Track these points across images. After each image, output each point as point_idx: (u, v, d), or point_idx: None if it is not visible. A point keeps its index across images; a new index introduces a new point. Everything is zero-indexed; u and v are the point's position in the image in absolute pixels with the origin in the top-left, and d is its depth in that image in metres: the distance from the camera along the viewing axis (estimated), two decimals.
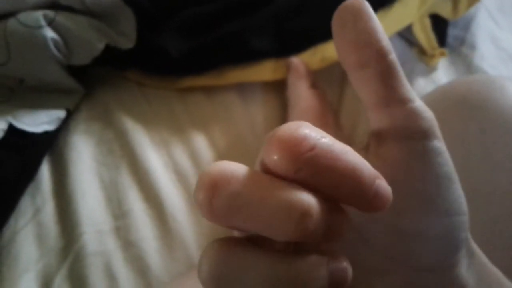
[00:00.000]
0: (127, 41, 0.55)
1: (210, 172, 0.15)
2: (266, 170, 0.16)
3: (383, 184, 0.16)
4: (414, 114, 0.18)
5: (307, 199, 0.15)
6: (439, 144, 0.19)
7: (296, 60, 0.56)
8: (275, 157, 0.15)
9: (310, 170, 0.15)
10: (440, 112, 0.38)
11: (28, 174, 0.50)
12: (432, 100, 0.41)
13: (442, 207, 0.18)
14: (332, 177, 0.15)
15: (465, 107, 0.37)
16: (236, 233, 0.18)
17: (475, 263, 0.20)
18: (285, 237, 0.15)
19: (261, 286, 0.15)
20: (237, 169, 0.16)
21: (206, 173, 0.15)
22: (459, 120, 0.36)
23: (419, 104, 0.18)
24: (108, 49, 0.54)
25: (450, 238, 0.19)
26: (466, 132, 0.35)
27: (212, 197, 0.15)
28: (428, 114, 0.19)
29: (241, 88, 0.58)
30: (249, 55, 0.56)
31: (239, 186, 0.15)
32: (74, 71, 0.55)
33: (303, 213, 0.15)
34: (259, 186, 0.15)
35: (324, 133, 0.16)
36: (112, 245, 0.46)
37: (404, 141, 0.18)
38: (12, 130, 0.50)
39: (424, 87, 0.57)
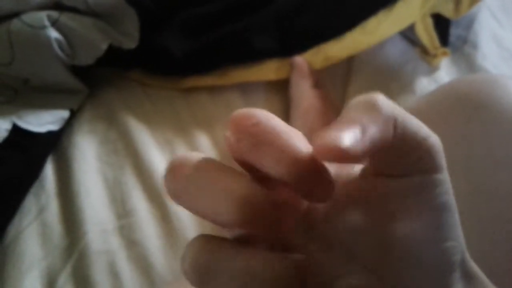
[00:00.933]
0: (130, 41, 0.55)
1: (172, 159, 0.17)
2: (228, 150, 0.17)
3: (325, 174, 0.17)
4: (428, 152, 0.17)
5: (250, 185, 0.16)
6: (442, 175, 0.18)
7: (299, 59, 0.56)
8: (227, 132, 0.17)
9: (250, 141, 0.16)
10: (443, 110, 0.38)
11: (33, 174, 0.50)
12: (434, 99, 0.41)
13: (434, 235, 0.18)
14: (269, 153, 0.16)
15: (468, 106, 0.37)
16: (226, 233, 0.19)
17: (474, 286, 0.20)
18: (229, 222, 0.16)
19: (236, 279, 0.16)
20: (193, 156, 0.17)
21: (170, 160, 0.17)
22: (462, 118, 0.36)
23: (434, 139, 0.17)
24: (112, 49, 0.55)
25: (441, 262, 0.18)
26: (468, 130, 0.35)
27: (171, 180, 0.17)
28: (439, 147, 0.18)
29: (244, 87, 0.58)
30: (252, 55, 0.56)
31: (191, 171, 0.17)
32: (77, 71, 0.55)
33: (243, 197, 0.16)
34: (209, 171, 0.17)
35: (278, 119, 0.17)
36: (116, 244, 0.47)
37: (407, 176, 0.18)
38: (16, 130, 0.50)
39: (426, 86, 0.57)
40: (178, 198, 0.17)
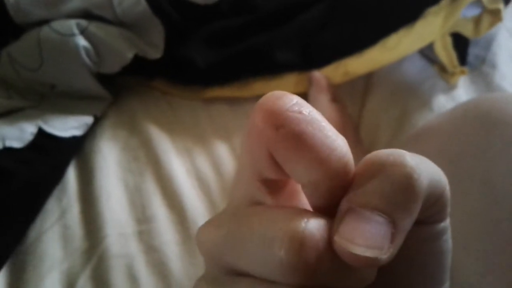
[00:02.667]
0: (155, 51, 0.57)
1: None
2: (250, 144, 0.15)
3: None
4: (445, 203, 0.16)
5: (304, 217, 0.13)
6: (447, 222, 0.17)
7: (318, 74, 0.57)
8: (260, 113, 0.14)
9: (294, 130, 0.13)
10: (463, 127, 0.39)
11: (56, 177, 0.51)
12: (454, 115, 0.41)
13: (441, 277, 0.18)
14: (314, 155, 0.14)
15: (488, 122, 0.37)
16: None
17: None
18: (275, 276, 0.13)
19: None
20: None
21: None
22: (483, 135, 0.36)
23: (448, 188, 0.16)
24: (136, 58, 0.56)
25: None
26: (488, 146, 0.35)
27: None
28: (447, 195, 0.16)
29: None
30: (273, 68, 0.57)
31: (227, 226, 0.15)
32: (102, 78, 0.57)
33: (297, 238, 0.13)
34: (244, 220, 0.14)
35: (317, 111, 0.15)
36: (134, 248, 0.47)
37: (432, 224, 0.17)
38: (41, 133, 0.52)
39: (444, 104, 0.58)
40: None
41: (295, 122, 0.13)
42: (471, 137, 0.37)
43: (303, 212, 0.14)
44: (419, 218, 0.15)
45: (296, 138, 0.13)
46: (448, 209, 0.16)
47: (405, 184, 0.13)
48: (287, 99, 0.14)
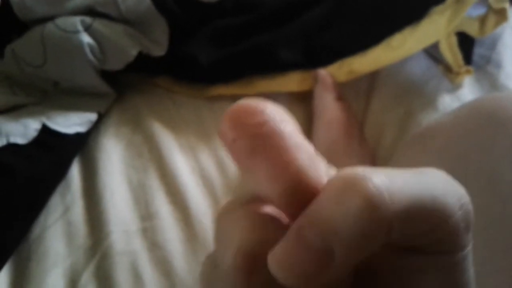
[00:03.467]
0: (159, 49, 0.57)
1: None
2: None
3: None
4: (450, 234, 0.14)
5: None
6: (465, 251, 0.15)
7: (323, 72, 0.57)
8: (224, 124, 0.14)
9: (247, 144, 0.13)
10: (468, 126, 0.39)
11: (59, 173, 0.51)
12: (460, 115, 0.41)
13: None
14: (267, 165, 0.13)
15: (494, 121, 0.37)
16: None
17: None
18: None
19: None
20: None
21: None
22: (489, 133, 0.36)
23: (458, 217, 0.14)
24: (140, 55, 0.56)
25: None
26: (495, 145, 0.35)
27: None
28: (462, 226, 0.14)
29: (267, 98, 0.58)
30: (277, 66, 0.57)
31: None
32: (106, 75, 0.57)
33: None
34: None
35: (288, 120, 0.14)
36: (138, 245, 0.47)
37: (435, 255, 0.15)
38: (45, 130, 0.52)
39: (449, 103, 0.57)
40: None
41: (249, 137, 0.13)
42: (477, 136, 0.37)
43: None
44: (416, 244, 0.14)
45: (249, 152, 0.13)
46: (462, 241, 0.14)
47: (355, 211, 0.12)
48: (249, 110, 0.14)
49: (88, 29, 0.53)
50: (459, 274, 0.15)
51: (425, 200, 0.13)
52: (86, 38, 0.53)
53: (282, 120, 0.14)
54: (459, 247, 0.15)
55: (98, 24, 0.54)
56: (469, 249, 0.15)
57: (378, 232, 0.13)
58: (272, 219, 0.15)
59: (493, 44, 0.63)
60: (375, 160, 0.55)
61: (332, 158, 0.16)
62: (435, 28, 0.56)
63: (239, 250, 0.14)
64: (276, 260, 0.13)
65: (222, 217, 0.16)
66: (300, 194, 0.14)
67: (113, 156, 0.53)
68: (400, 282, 0.15)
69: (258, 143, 0.13)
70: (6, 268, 0.45)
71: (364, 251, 0.13)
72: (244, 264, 0.14)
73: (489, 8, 0.57)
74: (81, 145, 0.53)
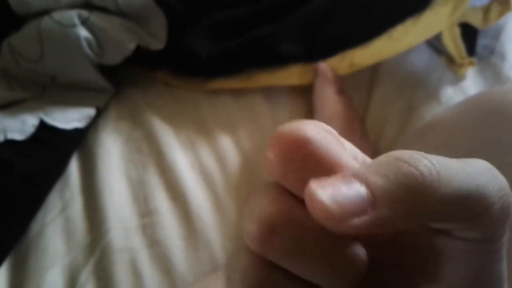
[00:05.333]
0: (157, 42, 0.56)
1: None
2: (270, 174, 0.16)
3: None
4: (496, 220, 0.15)
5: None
6: (501, 241, 0.15)
7: (324, 65, 0.56)
8: (271, 155, 0.15)
9: (297, 174, 0.15)
10: (473, 120, 0.38)
11: (58, 170, 0.51)
12: (464, 108, 0.40)
13: None
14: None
15: (500, 116, 0.36)
16: None
17: None
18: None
19: None
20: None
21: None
22: (494, 128, 0.35)
23: (499, 207, 0.15)
24: (139, 49, 0.55)
25: None
26: (501, 140, 0.35)
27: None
28: (503, 216, 0.15)
29: (268, 91, 0.58)
30: (277, 59, 0.57)
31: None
32: (104, 70, 0.56)
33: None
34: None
35: (334, 142, 0.15)
36: (138, 242, 0.47)
37: (472, 241, 0.15)
38: (43, 126, 0.51)
39: (452, 95, 0.57)
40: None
41: (298, 170, 0.15)
42: (483, 130, 0.36)
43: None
44: (454, 229, 0.15)
45: (299, 182, 0.15)
46: (500, 230, 0.15)
47: (407, 182, 0.13)
48: (293, 142, 0.15)
49: (85, 22, 0.53)
50: (492, 263, 0.15)
51: (470, 188, 0.14)
52: (83, 32, 0.52)
53: (327, 140, 0.15)
54: (495, 236, 0.15)
55: (95, 18, 0.53)
56: (504, 239, 0.15)
57: (420, 209, 0.14)
58: (291, 196, 0.16)
59: (496, 35, 0.62)
60: (377, 153, 0.55)
61: None
62: (437, 19, 0.55)
63: (258, 219, 0.15)
64: (322, 185, 0.14)
65: (251, 196, 0.16)
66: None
67: (112, 151, 0.53)
68: (431, 262, 0.16)
69: (309, 172, 0.14)
70: (5, 265, 0.45)
71: (402, 221, 0.14)
72: (261, 232, 0.15)
73: None
74: (79, 141, 0.53)
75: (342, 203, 0.13)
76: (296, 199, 0.15)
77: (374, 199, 0.13)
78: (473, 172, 0.15)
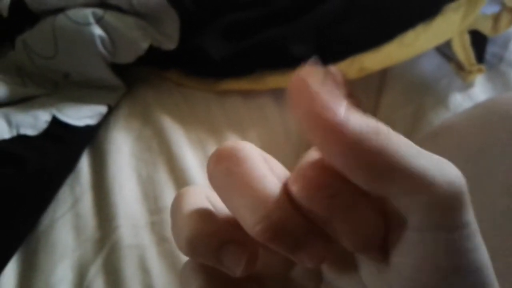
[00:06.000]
0: (170, 42, 0.56)
1: (222, 147, 0.18)
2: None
3: None
4: (442, 202, 0.15)
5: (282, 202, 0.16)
6: (469, 231, 0.16)
7: (333, 69, 0.57)
8: (295, 188, 0.16)
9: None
10: (483, 126, 0.38)
11: (69, 165, 0.51)
12: (474, 113, 0.41)
13: None
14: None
15: (509, 121, 0.37)
16: None
17: None
18: (251, 233, 0.17)
19: None
20: (241, 148, 0.18)
21: (221, 146, 0.18)
22: (505, 134, 0.36)
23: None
24: (151, 48, 0.56)
25: None
26: (510, 145, 0.35)
27: (213, 165, 0.18)
28: (458, 202, 0.16)
29: (278, 93, 0.59)
30: (288, 61, 0.57)
31: (232, 164, 0.18)
32: (116, 68, 0.56)
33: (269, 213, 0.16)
34: (247, 171, 0.17)
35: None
36: (147, 239, 0.47)
37: (438, 232, 0.16)
38: (55, 122, 0.52)
39: (461, 102, 0.57)
40: (213, 185, 0.18)
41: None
42: (492, 135, 0.37)
43: None
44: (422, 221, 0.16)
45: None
46: (453, 218, 0.16)
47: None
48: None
49: (99, 21, 0.53)
50: (460, 254, 0.16)
51: (419, 163, 0.15)
52: (97, 30, 0.53)
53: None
54: (448, 225, 0.15)
55: (110, 17, 0.54)
56: (469, 231, 0.16)
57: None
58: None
59: (506, 43, 0.63)
60: None
61: None
62: (448, 26, 0.55)
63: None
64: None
65: None
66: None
67: (123, 149, 0.53)
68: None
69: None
70: (15, 259, 0.45)
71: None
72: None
73: (503, 6, 0.56)
74: (91, 138, 0.53)
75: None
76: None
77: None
78: (427, 154, 0.16)
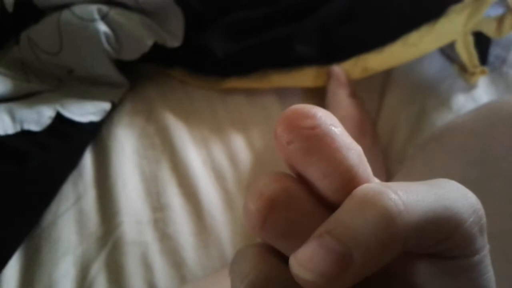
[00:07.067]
0: (174, 40, 0.56)
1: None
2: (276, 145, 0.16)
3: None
4: (471, 234, 0.15)
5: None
6: (480, 256, 0.16)
7: (337, 69, 0.57)
8: (278, 128, 0.15)
9: (302, 146, 0.15)
10: (489, 126, 0.38)
11: (72, 162, 0.51)
12: (478, 116, 0.41)
13: None
14: (320, 165, 0.15)
15: None
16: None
17: None
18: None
19: None
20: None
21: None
22: (509, 136, 0.36)
23: (468, 225, 0.15)
24: (155, 46, 0.56)
25: None
26: None
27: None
28: (472, 231, 0.15)
29: (281, 92, 0.59)
30: (292, 61, 0.57)
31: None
32: (120, 65, 0.56)
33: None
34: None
35: (337, 123, 0.15)
36: (149, 236, 0.47)
37: (453, 259, 0.16)
38: (59, 118, 0.52)
39: (463, 103, 0.57)
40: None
41: (303, 139, 0.15)
42: (496, 137, 0.37)
43: None
44: (434, 250, 0.15)
45: (303, 153, 0.15)
46: (477, 245, 0.15)
47: (374, 221, 0.14)
48: (302, 114, 0.15)
49: (104, 17, 0.53)
50: (477, 276, 0.16)
51: (438, 210, 0.14)
52: (102, 27, 0.53)
53: (333, 123, 0.15)
54: (475, 250, 0.15)
55: (115, 13, 0.54)
56: (485, 252, 0.16)
57: (394, 242, 0.14)
58: (294, 178, 0.16)
59: (509, 45, 0.63)
60: (387, 158, 0.55)
61: None
62: (452, 27, 0.55)
63: (260, 195, 0.15)
64: (298, 260, 0.14)
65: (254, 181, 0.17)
66: (351, 190, 0.15)
67: (126, 146, 0.53)
68: (417, 286, 0.16)
69: (312, 145, 0.14)
70: (18, 255, 0.46)
71: (381, 259, 0.14)
72: (262, 208, 0.15)
73: (508, 8, 0.56)
74: (94, 134, 0.53)
75: (324, 272, 0.13)
76: (300, 181, 0.16)
77: (350, 252, 0.13)
78: (440, 193, 0.15)
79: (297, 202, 0.15)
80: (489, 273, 0.16)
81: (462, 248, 0.15)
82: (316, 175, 0.15)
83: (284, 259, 0.16)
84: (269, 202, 0.15)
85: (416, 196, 0.14)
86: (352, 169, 0.15)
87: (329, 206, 0.16)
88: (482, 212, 0.15)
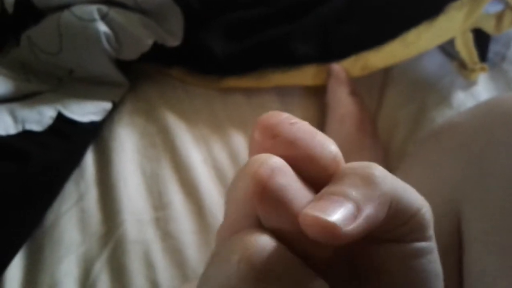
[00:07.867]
0: (174, 39, 0.57)
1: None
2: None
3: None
4: (419, 224, 0.17)
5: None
6: (433, 243, 0.18)
7: (337, 67, 0.57)
8: (258, 131, 0.16)
9: (287, 137, 0.16)
10: (487, 123, 0.39)
11: (74, 161, 0.52)
12: (477, 113, 0.41)
13: None
14: (307, 150, 0.16)
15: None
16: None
17: None
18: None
19: None
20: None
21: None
22: (508, 133, 0.36)
23: (425, 211, 0.17)
24: (155, 46, 0.56)
25: None
26: None
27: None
28: (429, 219, 0.17)
29: (281, 91, 0.59)
30: (291, 59, 0.57)
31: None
32: (120, 65, 0.57)
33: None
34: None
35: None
36: (151, 234, 0.48)
37: (402, 242, 0.17)
38: (61, 118, 0.52)
39: (463, 100, 0.57)
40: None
41: (288, 130, 0.16)
42: (495, 134, 0.37)
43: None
44: (393, 236, 0.17)
45: (290, 143, 0.16)
46: (429, 232, 0.17)
47: (368, 179, 0.16)
48: (278, 115, 0.17)
49: (104, 17, 0.53)
50: (428, 262, 0.18)
51: (406, 196, 0.17)
52: (102, 27, 0.53)
53: (303, 121, 0.17)
54: (427, 237, 0.17)
55: (114, 13, 0.54)
56: (434, 244, 0.18)
57: (378, 191, 0.16)
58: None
59: (508, 42, 0.63)
60: (387, 155, 0.56)
61: (344, 152, 0.17)
62: (451, 24, 0.56)
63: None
64: (317, 209, 0.15)
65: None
66: (330, 170, 0.16)
67: (127, 145, 0.53)
68: (391, 267, 0.17)
69: (297, 134, 0.16)
70: (20, 254, 0.46)
71: (381, 214, 0.16)
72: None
73: (506, 5, 0.57)
74: (95, 134, 0.54)
75: (336, 216, 0.14)
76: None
77: (358, 206, 0.15)
78: (408, 187, 0.17)
79: (292, 173, 0.16)
80: (438, 264, 0.18)
81: (417, 232, 0.17)
82: (303, 161, 0.16)
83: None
84: (271, 168, 0.15)
85: (392, 178, 0.17)
86: (335, 152, 0.17)
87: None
88: (429, 206, 0.18)
